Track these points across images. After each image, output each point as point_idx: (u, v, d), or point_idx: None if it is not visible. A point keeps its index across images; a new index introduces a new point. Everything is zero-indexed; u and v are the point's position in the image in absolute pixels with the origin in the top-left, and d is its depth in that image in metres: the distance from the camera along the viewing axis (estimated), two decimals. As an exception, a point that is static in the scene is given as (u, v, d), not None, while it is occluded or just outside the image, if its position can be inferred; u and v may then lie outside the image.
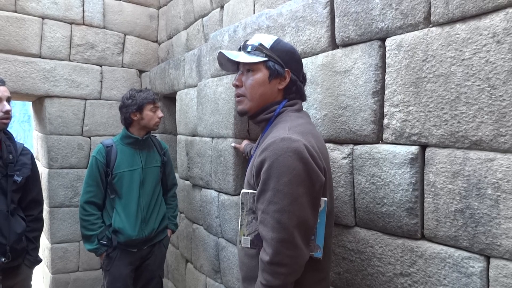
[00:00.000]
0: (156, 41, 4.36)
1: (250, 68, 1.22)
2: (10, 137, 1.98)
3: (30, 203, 2.05)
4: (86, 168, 3.71)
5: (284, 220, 1.01)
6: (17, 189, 1.93)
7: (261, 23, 1.93)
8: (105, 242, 2.25)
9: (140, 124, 2.36)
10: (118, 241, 2.26)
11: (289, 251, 1.01)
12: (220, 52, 1.24)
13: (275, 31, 1.84)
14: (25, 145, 2.09)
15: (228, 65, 1.30)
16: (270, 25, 1.87)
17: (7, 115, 1.84)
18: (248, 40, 1.26)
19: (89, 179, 2.28)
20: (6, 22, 3.39)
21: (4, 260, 1.81)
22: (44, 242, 3.92)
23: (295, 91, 1.24)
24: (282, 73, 1.20)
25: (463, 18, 1.11)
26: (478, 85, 1.07)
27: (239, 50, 1.26)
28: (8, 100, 1.88)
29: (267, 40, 1.23)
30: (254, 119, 1.27)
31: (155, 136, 2.59)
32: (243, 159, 2.18)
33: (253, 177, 1.13)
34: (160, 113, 2.40)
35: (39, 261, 2.09)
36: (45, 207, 3.65)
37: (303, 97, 1.29)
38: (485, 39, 1.06)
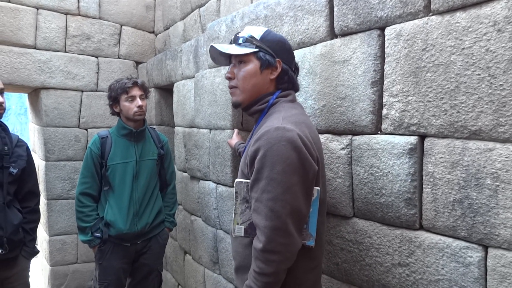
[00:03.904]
0: (153, 32, 4.32)
1: (242, 59, 1.24)
2: (5, 128, 1.97)
3: (27, 194, 2.05)
4: (83, 160, 3.71)
5: (278, 209, 1.02)
6: (13, 181, 1.93)
7: (259, 13, 1.91)
8: (99, 235, 2.21)
9: (124, 116, 2.29)
10: (110, 234, 2.22)
11: (282, 238, 1.02)
12: (211, 46, 1.25)
13: (273, 21, 1.81)
14: (20, 137, 2.07)
15: (220, 59, 1.32)
16: (268, 15, 1.85)
17: (0, 106, 1.82)
18: (239, 32, 1.27)
19: (84, 170, 2.26)
20: (0, 13, 3.34)
21: (2, 251, 1.81)
22: (42, 234, 3.92)
23: (287, 81, 1.24)
24: (273, 63, 1.21)
25: (464, 7, 1.10)
26: (478, 75, 1.06)
27: (231, 43, 1.28)
28: (1, 92, 1.86)
29: (258, 32, 1.25)
30: (248, 110, 1.28)
31: (154, 128, 2.56)
32: (241, 150, 2.17)
33: (247, 166, 1.14)
34: (138, 102, 2.23)
35: (36, 252, 2.09)
36: (43, 200, 3.64)
37: (295, 87, 1.29)
38: (486, 27, 1.04)
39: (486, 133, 1.06)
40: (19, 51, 3.46)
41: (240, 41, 1.23)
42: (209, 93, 2.40)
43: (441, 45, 1.14)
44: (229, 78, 1.28)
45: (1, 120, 1.96)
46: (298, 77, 1.45)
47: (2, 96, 1.86)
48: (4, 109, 1.86)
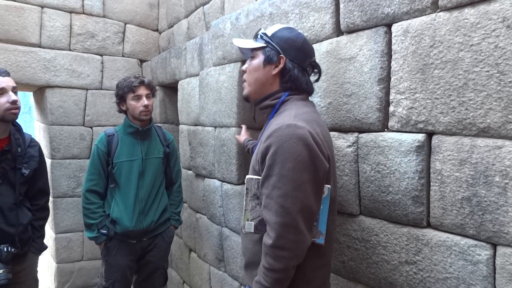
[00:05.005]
0: (157, 30, 4.32)
1: (252, 54, 1.29)
2: (19, 129, 1.98)
3: (37, 193, 2.07)
4: (88, 158, 3.72)
5: (288, 205, 1.02)
6: (24, 182, 1.95)
7: (264, 10, 1.90)
8: (105, 232, 2.23)
9: (130, 114, 2.30)
10: (116, 231, 2.24)
11: (292, 235, 1.03)
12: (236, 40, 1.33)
13: (278, 18, 1.81)
14: (33, 137, 2.08)
15: (248, 53, 1.35)
16: (273, 12, 1.84)
17: (15, 105, 1.82)
18: (260, 29, 1.31)
19: (91, 167, 2.28)
20: (5, 11, 3.35)
21: (14, 250, 1.83)
22: (48, 232, 3.94)
23: (289, 79, 1.23)
24: (274, 59, 1.22)
25: (472, 2, 1.09)
26: (487, 71, 1.05)
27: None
28: (14, 90, 1.86)
29: (274, 28, 1.28)
30: (259, 105, 1.30)
31: (160, 126, 2.56)
32: (246, 148, 2.17)
33: (258, 163, 1.14)
34: (144, 101, 2.24)
35: (44, 248, 2.13)
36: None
37: (299, 87, 1.24)
38: (495, 23, 1.03)
39: (495, 130, 1.05)
40: (24, 50, 3.47)
41: (258, 37, 1.28)
42: (214, 91, 2.40)
43: (449, 42, 1.14)
44: (243, 72, 1.33)
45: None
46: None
47: (16, 95, 1.86)
48: (19, 108, 1.85)
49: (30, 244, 2.00)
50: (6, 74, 1.86)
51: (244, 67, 1.32)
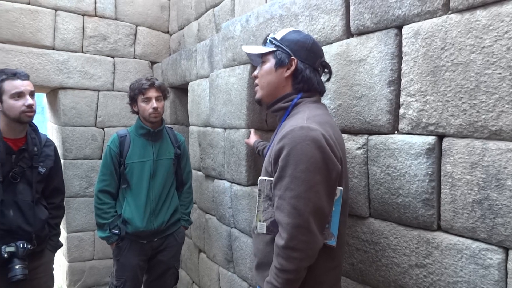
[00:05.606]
0: (168, 32, 4.36)
1: (263, 59, 1.31)
2: (35, 129, 2.05)
3: (52, 191, 2.14)
4: (100, 159, 3.77)
5: (300, 206, 1.03)
6: (41, 180, 2.01)
7: (274, 12, 1.91)
8: (117, 232, 2.26)
9: (141, 116, 2.33)
10: (127, 231, 2.27)
11: (304, 236, 1.03)
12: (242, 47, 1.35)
13: (288, 20, 1.81)
14: (48, 137, 2.14)
15: (257, 60, 1.37)
16: (283, 14, 1.85)
17: (30, 109, 1.88)
18: (269, 34, 1.33)
19: (103, 168, 2.31)
20: (20, 14, 3.42)
21: (31, 247, 1.89)
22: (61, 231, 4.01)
23: (301, 80, 1.24)
24: (286, 62, 1.23)
25: (484, 4, 1.08)
26: (499, 74, 1.04)
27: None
28: (32, 94, 1.92)
29: (282, 32, 1.29)
30: (271, 108, 1.31)
31: (171, 128, 2.58)
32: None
33: (271, 164, 1.15)
34: (154, 104, 2.24)
35: (60, 245, 2.20)
36: (61, 197, 3.72)
37: (312, 87, 1.26)
38: (507, 25, 1.02)
39: (507, 133, 1.04)
40: (38, 52, 3.54)
41: (267, 42, 1.29)
42: (223, 92, 2.42)
43: (461, 44, 1.13)
44: (254, 77, 1.34)
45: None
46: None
47: (33, 98, 1.93)
48: (34, 112, 1.93)
49: (46, 242, 2.06)
50: (26, 77, 1.92)
51: (255, 72, 1.34)
